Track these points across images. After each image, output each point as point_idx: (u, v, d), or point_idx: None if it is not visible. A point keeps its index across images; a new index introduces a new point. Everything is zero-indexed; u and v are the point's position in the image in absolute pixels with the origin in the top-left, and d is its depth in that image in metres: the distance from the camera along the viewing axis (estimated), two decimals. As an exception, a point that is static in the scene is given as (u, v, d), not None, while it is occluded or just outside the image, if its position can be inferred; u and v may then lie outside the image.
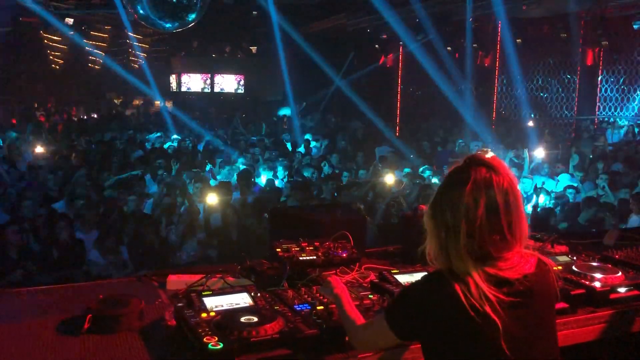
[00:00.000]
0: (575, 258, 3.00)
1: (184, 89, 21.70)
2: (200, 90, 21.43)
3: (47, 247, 6.23)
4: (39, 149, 11.03)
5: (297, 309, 2.26)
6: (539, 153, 11.05)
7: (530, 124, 15.99)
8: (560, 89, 16.11)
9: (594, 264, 2.87)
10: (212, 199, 7.42)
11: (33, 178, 8.35)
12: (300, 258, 2.69)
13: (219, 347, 1.92)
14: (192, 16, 11.90)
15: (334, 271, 2.83)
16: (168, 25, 12.94)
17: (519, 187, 1.83)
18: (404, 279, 2.61)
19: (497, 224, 1.71)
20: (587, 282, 2.62)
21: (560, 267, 2.81)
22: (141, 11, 11.94)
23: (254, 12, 16.23)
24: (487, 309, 1.66)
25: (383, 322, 1.85)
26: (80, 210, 6.63)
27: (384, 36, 18.10)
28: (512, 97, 17.26)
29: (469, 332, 1.69)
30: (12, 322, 2.27)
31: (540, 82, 16.50)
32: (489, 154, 1.80)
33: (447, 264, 1.76)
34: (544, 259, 1.87)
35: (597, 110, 15.76)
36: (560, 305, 2.48)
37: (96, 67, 23.22)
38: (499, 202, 1.71)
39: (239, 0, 15.55)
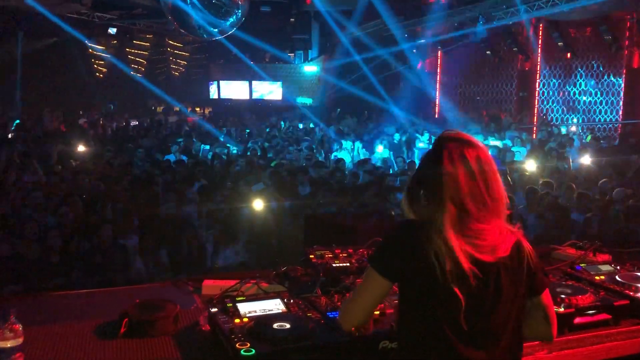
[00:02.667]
0: (618, 267, 2.90)
1: (223, 96, 21.99)
2: (239, 97, 21.68)
3: (90, 251, 6.37)
4: (84, 156, 11.36)
5: (330, 316, 2.24)
6: (585, 160, 10.75)
7: (573, 128, 15.60)
8: (604, 93, 15.66)
9: (639, 273, 2.77)
10: (254, 205, 7.46)
11: (77, 183, 8.57)
12: (334, 265, 2.68)
13: (251, 353, 1.92)
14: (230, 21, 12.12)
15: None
16: (210, 31, 13.23)
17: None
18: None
19: (477, 192, 1.80)
20: (631, 293, 2.52)
21: (602, 277, 2.73)
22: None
23: (292, 19, 16.33)
24: (455, 287, 1.74)
25: (370, 272, 1.88)
26: (120, 216, 6.77)
27: (422, 40, 17.99)
28: (554, 101, 16.88)
29: (433, 294, 1.77)
30: (51, 325, 2.32)
31: (583, 85, 16.08)
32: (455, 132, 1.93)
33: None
34: (524, 243, 1.88)
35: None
36: (603, 316, 2.40)
37: (138, 75, 23.78)
38: (474, 169, 1.81)
39: (276, 7, 15.70)
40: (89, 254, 6.35)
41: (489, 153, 1.89)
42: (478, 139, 1.93)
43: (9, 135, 13.34)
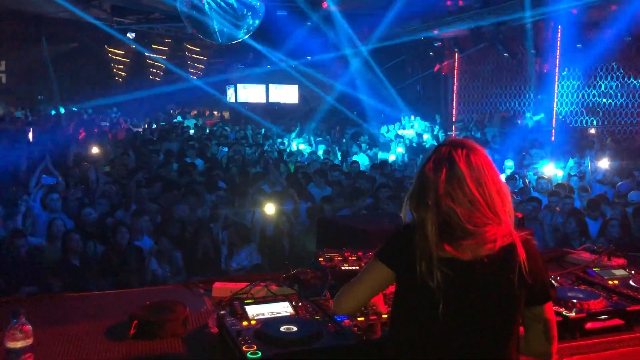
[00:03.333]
0: (633, 272, 2.85)
1: (240, 100, 22.11)
2: (256, 100, 21.80)
3: (106, 254, 6.44)
4: (102, 158, 11.48)
5: (338, 319, 2.24)
6: (603, 164, 10.58)
7: (592, 131, 15.39)
8: (625, 95, 15.44)
9: (654, 278, 2.72)
10: (267, 207, 7.48)
11: (95, 186, 8.66)
12: (343, 268, 2.67)
13: (257, 355, 1.93)
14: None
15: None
16: (227, 36, 13.32)
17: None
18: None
19: (462, 188, 1.83)
20: (645, 298, 2.48)
21: (616, 282, 2.69)
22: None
23: (308, 23, 16.37)
24: (432, 285, 1.81)
25: (372, 260, 2.01)
26: (134, 218, 6.82)
27: (439, 44, 17.92)
28: (573, 103, 16.69)
29: (413, 289, 1.87)
30: (61, 326, 2.36)
31: (603, 87, 15.87)
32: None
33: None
34: (520, 248, 1.86)
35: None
36: (615, 321, 2.36)
37: (157, 79, 24.02)
38: (463, 172, 1.84)
39: (293, 11, 15.75)
40: (105, 256, 6.42)
41: (488, 157, 1.91)
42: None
43: None
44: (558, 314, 2.29)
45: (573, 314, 2.31)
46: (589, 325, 2.33)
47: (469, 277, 1.84)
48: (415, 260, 1.84)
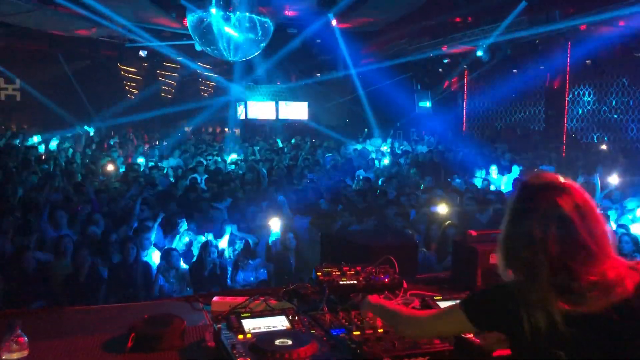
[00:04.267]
0: None
1: (250, 116, 22.28)
2: (266, 117, 21.97)
3: (114, 269, 6.48)
4: (113, 174, 11.62)
5: (333, 333, 2.25)
6: (613, 180, 10.49)
7: (604, 147, 15.30)
8: (635, 111, 15.36)
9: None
10: (273, 223, 7.50)
11: (102, 202, 8.73)
12: (341, 282, 2.68)
13: (251, 368, 1.94)
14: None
15: (378, 296, 2.81)
16: (236, 53, 13.50)
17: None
18: (447, 305, 2.55)
19: (576, 240, 1.65)
20: None
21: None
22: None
23: (318, 40, 16.51)
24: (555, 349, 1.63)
25: (459, 312, 1.84)
26: (143, 233, 6.87)
27: (448, 60, 17.98)
28: (583, 119, 16.63)
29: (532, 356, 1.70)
30: (60, 339, 2.38)
31: (614, 103, 15.80)
32: (546, 173, 1.80)
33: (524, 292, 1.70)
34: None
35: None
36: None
37: (168, 96, 24.25)
38: (572, 217, 1.66)
39: (303, 29, 15.89)
40: (113, 271, 6.47)
41: (583, 191, 1.75)
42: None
43: None
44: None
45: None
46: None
47: (602, 330, 1.62)
48: (520, 322, 1.66)
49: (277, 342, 2.12)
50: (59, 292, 6.07)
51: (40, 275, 6.11)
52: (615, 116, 15.79)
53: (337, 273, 2.75)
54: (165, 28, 15.74)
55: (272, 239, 7.36)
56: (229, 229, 7.30)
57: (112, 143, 15.94)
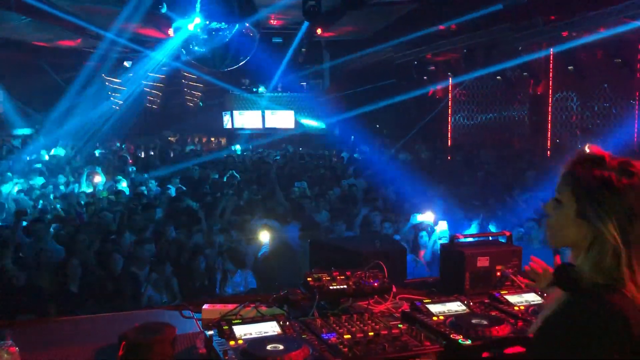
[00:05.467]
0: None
1: (236, 125, 22.29)
2: (252, 126, 22.00)
3: (102, 281, 6.44)
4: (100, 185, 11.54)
5: (324, 337, 2.26)
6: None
7: (587, 150, 15.48)
8: (618, 116, 15.59)
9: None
10: (261, 233, 7.51)
11: (91, 213, 8.70)
12: (331, 287, 2.69)
13: (243, 374, 1.95)
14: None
15: (368, 301, 2.83)
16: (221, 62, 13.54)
17: None
18: (437, 309, 2.58)
19: None
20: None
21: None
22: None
23: (303, 49, 16.59)
24: None
25: None
26: (132, 245, 6.84)
27: (432, 68, 18.14)
28: (567, 125, 16.83)
29: None
30: (50, 349, 2.36)
31: (596, 108, 16.02)
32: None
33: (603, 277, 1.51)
34: None
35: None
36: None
37: (154, 106, 24.16)
38: None
39: (288, 38, 15.97)
40: (101, 283, 6.42)
41: None
42: None
43: None
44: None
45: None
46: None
47: None
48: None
49: (268, 347, 2.13)
50: (46, 304, 6.02)
51: (28, 288, 6.06)
52: (598, 121, 16.00)
53: (327, 278, 2.76)
54: (149, 39, 15.73)
55: (260, 248, 7.37)
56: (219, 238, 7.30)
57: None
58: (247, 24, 12.90)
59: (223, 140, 24.78)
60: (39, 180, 11.61)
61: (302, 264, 6.94)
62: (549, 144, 16.92)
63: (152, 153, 18.71)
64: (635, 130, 15.25)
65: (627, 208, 1.53)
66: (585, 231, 1.58)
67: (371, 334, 2.27)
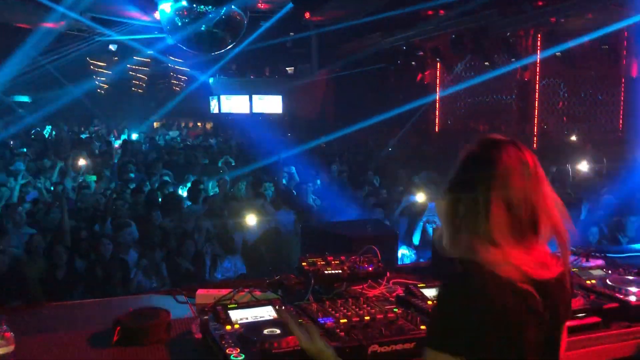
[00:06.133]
0: (610, 272, 2.91)
1: (223, 110, 22.13)
2: (239, 111, 21.85)
3: (90, 266, 6.39)
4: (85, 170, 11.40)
5: (321, 321, 2.26)
6: (583, 167, 10.77)
7: (573, 138, 15.62)
8: (603, 103, 15.71)
9: (630, 277, 2.78)
10: (249, 218, 7.49)
11: (78, 199, 8.61)
12: (326, 272, 2.70)
13: (240, 358, 1.94)
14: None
15: (361, 285, 2.84)
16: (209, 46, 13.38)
17: None
18: (431, 293, 2.59)
19: (530, 194, 1.57)
20: (621, 296, 2.53)
21: (593, 281, 2.74)
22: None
23: (291, 34, 16.46)
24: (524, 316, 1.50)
25: (431, 353, 1.53)
26: (120, 230, 6.79)
27: (421, 53, 18.11)
28: (553, 111, 16.92)
29: (503, 336, 1.49)
30: (44, 334, 2.35)
31: (582, 95, 16.13)
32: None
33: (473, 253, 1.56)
34: (567, 275, 1.66)
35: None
36: (592, 319, 2.41)
37: (139, 90, 23.93)
38: (530, 171, 1.59)
39: (276, 21, 15.83)
40: (89, 269, 6.38)
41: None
42: None
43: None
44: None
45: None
46: (568, 323, 2.37)
47: (548, 303, 1.58)
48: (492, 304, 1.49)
49: (265, 331, 2.13)
50: (35, 290, 5.97)
51: (15, 274, 6.00)
52: (585, 108, 16.11)
53: (322, 263, 2.77)
54: (135, 21, 15.50)
55: (249, 233, 7.36)
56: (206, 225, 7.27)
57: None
58: (234, 7, 12.75)
59: (209, 125, 24.64)
60: (20, 166, 11.48)
61: (292, 249, 6.96)
62: (535, 130, 17.02)
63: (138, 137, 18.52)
64: (621, 116, 15.40)
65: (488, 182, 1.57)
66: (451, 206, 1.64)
67: (367, 318, 2.27)
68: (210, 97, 22.46)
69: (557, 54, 15.13)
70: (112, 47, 17.98)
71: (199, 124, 25.19)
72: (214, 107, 22.46)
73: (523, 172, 1.58)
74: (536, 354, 1.56)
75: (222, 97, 22.01)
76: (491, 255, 1.54)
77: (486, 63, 16.97)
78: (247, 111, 21.71)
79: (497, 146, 1.62)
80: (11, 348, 1.83)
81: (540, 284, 1.54)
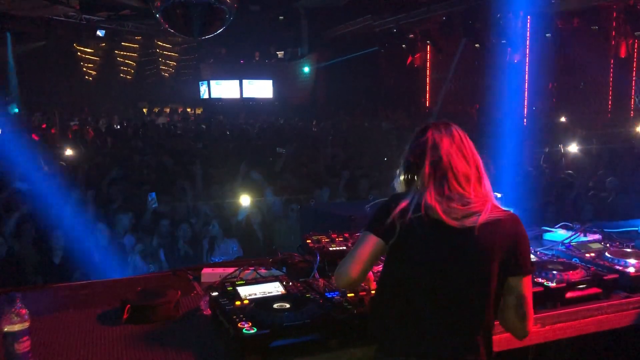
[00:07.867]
0: (608, 245, 2.97)
1: (213, 95, 21.99)
2: (230, 96, 21.71)
3: (88, 251, 6.38)
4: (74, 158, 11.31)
5: (329, 296, 2.30)
6: (573, 149, 10.85)
7: (563, 119, 15.71)
8: (593, 83, 15.79)
9: (628, 250, 2.84)
10: (242, 199, 7.48)
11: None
12: (330, 248, 2.73)
13: (253, 331, 1.97)
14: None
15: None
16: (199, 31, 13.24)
17: None
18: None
19: (457, 158, 2.01)
20: (620, 268, 2.59)
21: (592, 254, 2.80)
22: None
23: (281, 17, 16.36)
24: (416, 245, 1.96)
25: (362, 233, 2.06)
26: (117, 214, 6.78)
27: (411, 36, 18.08)
28: (543, 93, 16.98)
29: (399, 251, 1.99)
30: (54, 313, 2.37)
31: (572, 76, 16.20)
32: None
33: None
34: (504, 223, 1.96)
35: (632, 104, 15.39)
36: (593, 290, 2.47)
37: (127, 77, 23.72)
38: (456, 141, 2.04)
39: (265, 6, 15.72)
40: (86, 254, 6.37)
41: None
42: None
43: None
44: (539, 284, 2.39)
45: (554, 284, 2.40)
46: (569, 294, 2.43)
47: (454, 243, 1.94)
48: (400, 221, 1.96)
49: (275, 305, 2.17)
50: (32, 275, 5.96)
51: (11, 260, 5.98)
52: (574, 89, 16.19)
53: (327, 240, 2.80)
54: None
55: (241, 215, 7.35)
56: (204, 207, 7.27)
57: None
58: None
59: (199, 111, 24.50)
60: None
61: (285, 229, 7.00)
62: (525, 112, 17.08)
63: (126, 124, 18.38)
64: (610, 97, 15.51)
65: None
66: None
67: (373, 292, 2.31)
68: (200, 83, 22.31)
69: (547, 34, 15.17)
70: (100, 33, 17.77)
71: (188, 109, 25.05)
72: (203, 92, 22.31)
73: (451, 143, 2.04)
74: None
75: (212, 82, 21.86)
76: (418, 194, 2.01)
77: (476, 45, 16.97)
78: (238, 96, 21.58)
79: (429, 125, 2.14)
80: (26, 325, 1.85)
81: (435, 212, 1.95)
